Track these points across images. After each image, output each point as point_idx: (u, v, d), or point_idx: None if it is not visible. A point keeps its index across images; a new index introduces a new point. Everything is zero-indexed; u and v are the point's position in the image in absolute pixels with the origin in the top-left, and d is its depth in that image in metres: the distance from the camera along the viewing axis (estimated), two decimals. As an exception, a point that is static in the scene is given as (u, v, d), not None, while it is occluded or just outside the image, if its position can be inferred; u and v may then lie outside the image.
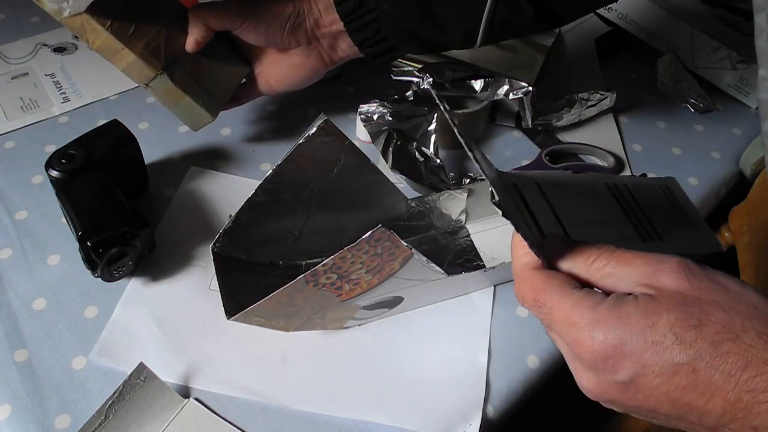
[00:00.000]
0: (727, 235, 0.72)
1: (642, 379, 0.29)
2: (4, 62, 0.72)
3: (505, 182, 0.40)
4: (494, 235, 0.59)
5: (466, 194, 0.58)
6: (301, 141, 0.49)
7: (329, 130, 0.49)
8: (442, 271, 0.45)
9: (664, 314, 0.28)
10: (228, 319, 0.46)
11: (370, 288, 0.46)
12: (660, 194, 0.51)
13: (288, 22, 0.56)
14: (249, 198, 0.50)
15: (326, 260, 0.41)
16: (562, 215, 0.43)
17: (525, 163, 0.67)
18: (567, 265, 0.33)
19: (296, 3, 0.56)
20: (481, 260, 0.57)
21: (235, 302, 0.48)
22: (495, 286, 0.56)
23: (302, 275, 0.41)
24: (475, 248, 0.58)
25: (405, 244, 0.42)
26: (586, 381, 0.31)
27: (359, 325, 0.52)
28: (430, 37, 0.56)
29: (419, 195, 0.59)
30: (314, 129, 0.49)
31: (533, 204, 0.41)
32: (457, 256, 0.57)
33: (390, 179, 0.55)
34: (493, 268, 0.51)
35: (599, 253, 0.32)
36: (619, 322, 0.29)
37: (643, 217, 0.47)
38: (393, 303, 0.50)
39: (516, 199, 0.41)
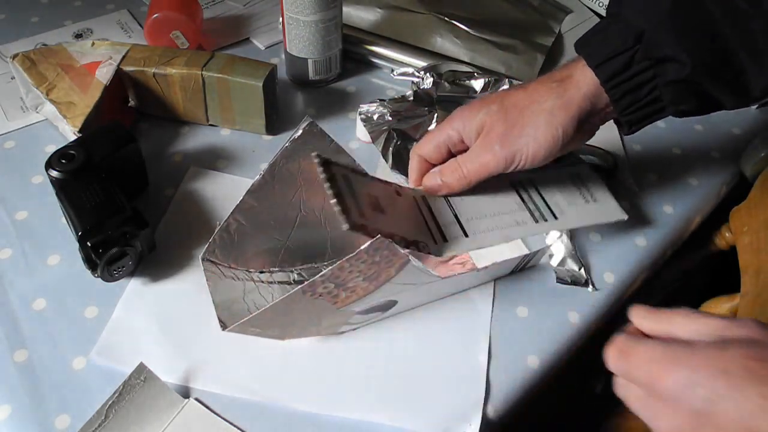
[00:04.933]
0: (727, 235, 0.72)
1: (713, 407, 0.30)
2: (4, 62, 0.72)
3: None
4: None
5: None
6: (287, 145, 0.49)
7: (314, 133, 0.49)
8: (437, 275, 0.45)
9: (735, 347, 0.31)
10: (223, 330, 0.46)
11: (366, 294, 0.46)
12: (566, 179, 0.56)
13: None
14: (237, 204, 0.50)
15: (324, 271, 0.41)
16: (459, 212, 0.50)
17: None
18: (648, 324, 0.36)
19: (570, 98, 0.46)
20: (471, 258, 0.57)
21: (229, 312, 0.48)
22: (495, 288, 0.56)
23: (299, 287, 0.41)
24: None
25: (402, 251, 0.42)
26: (664, 421, 0.33)
27: (353, 329, 0.52)
28: (717, 92, 0.46)
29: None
30: (300, 132, 0.49)
31: (435, 207, 0.50)
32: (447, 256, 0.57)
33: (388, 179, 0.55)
34: (486, 267, 0.51)
35: (679, 312, 0.35)
36: (692, 355, 0.32)
37: (542, 202, 0.53)
38: (387, 306, 0.50)
39: (422, 205, 0.50)
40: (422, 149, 0.51)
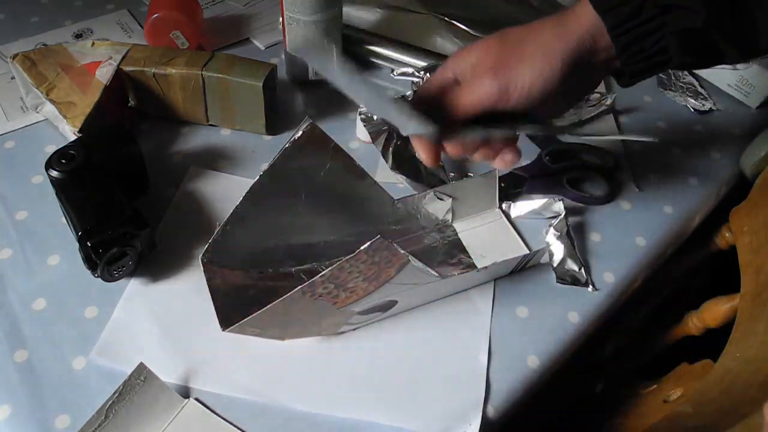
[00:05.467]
0: (727, 235, 0.72)
1: None
2: (4, 62, 0.72)
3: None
4: (482, 233, 0.59)
5: (449, 193, 0.58)
6: (287, 146, 0.49)
7: (315, 134, 0.49)
8: (437, 275, 0.45)
9: None
10: (223, 330, 0.46)
11: (366, 294, 0.46)
12: None
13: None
14: (237, 206, 0.50)
15: (324, 272, 0.41)
16: None
17: (525, 163, 0.67)
18: None
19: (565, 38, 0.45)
20: (471, 258, 0.57)
21: (229, 313, 0.48)
22: (495, 288, 0.56)
23: (299, 287, 0.41)
24: (464, 246, 0.58)
25: (402, 251, 0.42)
26: None
27: (353, 329, 0.52)
28: (725, 42, 0.45)
29: (405, 195, 0.59)
30: (300, 133, 0.48)
31: None
32: (447, 256, 0.57)
33: (386, 180, 0.55)
34: (486, 267, 0.51)
35: None
36: None
37: None
38: (387, 306, 0.50)
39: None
40: (419, 95, 0.49)
